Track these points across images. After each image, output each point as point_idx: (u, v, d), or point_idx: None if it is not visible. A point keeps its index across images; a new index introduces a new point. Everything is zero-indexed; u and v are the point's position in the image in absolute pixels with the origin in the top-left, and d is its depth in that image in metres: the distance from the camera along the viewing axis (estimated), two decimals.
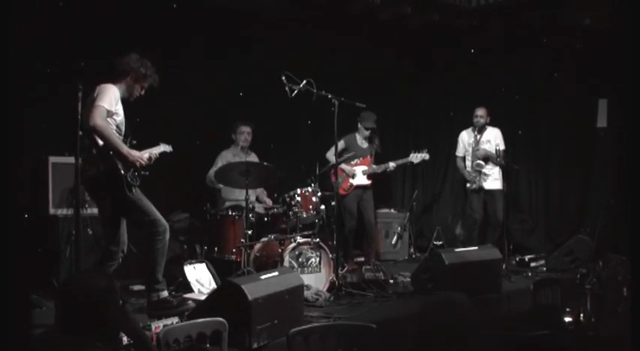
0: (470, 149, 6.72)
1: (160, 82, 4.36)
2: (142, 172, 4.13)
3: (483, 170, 6.60)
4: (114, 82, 4.11)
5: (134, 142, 4.15)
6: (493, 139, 6.67)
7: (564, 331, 3.87)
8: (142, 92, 4.29)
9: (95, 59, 5.37)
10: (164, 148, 4.40)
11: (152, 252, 4.18)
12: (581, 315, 3.99)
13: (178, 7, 6.18)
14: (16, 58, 2.82)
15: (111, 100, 3.98)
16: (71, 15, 5.40)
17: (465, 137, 6.84)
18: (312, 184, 5.63)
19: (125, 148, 4.01)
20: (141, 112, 4.55)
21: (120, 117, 4.10)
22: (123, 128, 4.15)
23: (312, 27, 7.09)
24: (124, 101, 4.17)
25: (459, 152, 6.89)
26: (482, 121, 6.64)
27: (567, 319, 3.92)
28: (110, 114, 3.98)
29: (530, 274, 6.13)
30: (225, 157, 6.10)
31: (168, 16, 6.08)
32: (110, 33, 5.54)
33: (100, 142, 3.96)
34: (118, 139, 4.00)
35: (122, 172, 3.98)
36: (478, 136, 6.66)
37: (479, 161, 6.57)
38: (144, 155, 4.13)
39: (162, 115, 5.84)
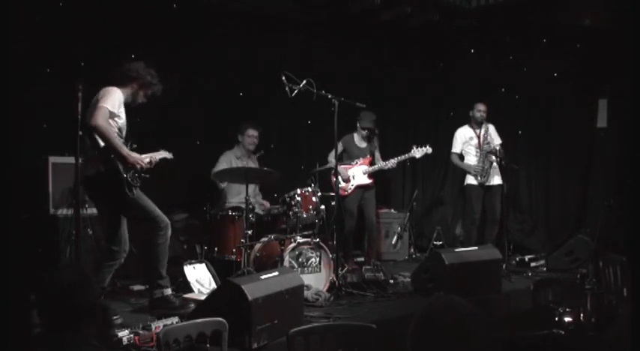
0: (472, 144, 6.67)
1: (160, 82, 4.40)
2: (142, 175, 4.15)
3: (494, 163, 6.55)
4: (120, 86, 4.19)
5: (134, 145, 4.19)
6: (492, 133, 6.67)
7: (564, 331, 3.87)
8: (145, 100, 4.38)
9: (95, 59, 5.38)
10: (164, 154, 4.46)
11: (154, 247, 4.22)
12: (581, 315, 3.99)
13: (178, 7, 6.19)
14: (16, 58, 2.82)
15: (114, 102, 4.05)
16: (71, 15, 5.40)
17: (464, 133, 6.76)
18: (312, 184, 5.63)
19: (125, 150, 4.05)
20: (141, 112, 4.57)
21: (122, 120, 4.17)
22: (124, 132, 4.20)
23: (313, 27, 7.09)
24: (126, 106, 4.23)
25: (456, 149, 6.80)
26: (485, 115, 6.62)
27: (567, 319, 3.91)
28: (112, 116, 4.05)
29: (530, 274, 6.13)
30: (229, 158, 6.09)
31: (168, 15, 6.08)
32: (110, 33, 5.55)
33: (102, 143, 4.01)
34: (118, 141, 4.04)
35: (123, 172, 4.00)
36: (482, 131, 6.64)
37: (490, 155, 6.50)
38: (144, 158, 4.16)
39: (163, 115, 5.84)
